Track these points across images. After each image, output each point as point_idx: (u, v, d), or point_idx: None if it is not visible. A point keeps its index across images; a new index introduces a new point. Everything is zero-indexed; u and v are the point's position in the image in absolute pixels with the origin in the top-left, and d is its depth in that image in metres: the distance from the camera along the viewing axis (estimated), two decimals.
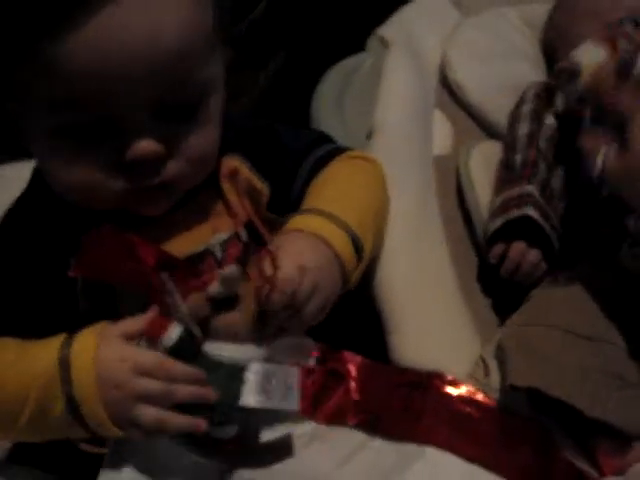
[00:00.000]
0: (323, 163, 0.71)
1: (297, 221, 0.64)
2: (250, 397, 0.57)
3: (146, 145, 0.56)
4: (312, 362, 0.61)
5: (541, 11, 1.08)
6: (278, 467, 0.59)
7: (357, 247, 0.64)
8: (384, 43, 0.99)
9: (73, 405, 0.55)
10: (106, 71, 0.53)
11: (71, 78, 0.53)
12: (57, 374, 0.55)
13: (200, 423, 0.55)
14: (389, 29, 1.02)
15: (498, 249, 0.77)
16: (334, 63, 1.01)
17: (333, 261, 0.61)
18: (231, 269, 0.60)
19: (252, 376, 0.57)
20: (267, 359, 0.60)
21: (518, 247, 0.75)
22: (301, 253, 0.60)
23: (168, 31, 0.54)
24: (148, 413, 0.55)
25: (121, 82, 0.54)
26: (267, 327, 0.59)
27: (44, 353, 0.57)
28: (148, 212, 0.61)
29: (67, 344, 0.56)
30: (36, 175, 0.66)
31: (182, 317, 0.58)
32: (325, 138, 0.76)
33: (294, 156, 0.71)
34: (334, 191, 0.68)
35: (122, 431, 0.55)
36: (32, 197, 0.66)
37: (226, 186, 0.65)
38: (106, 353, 0.55)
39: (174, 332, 0.56)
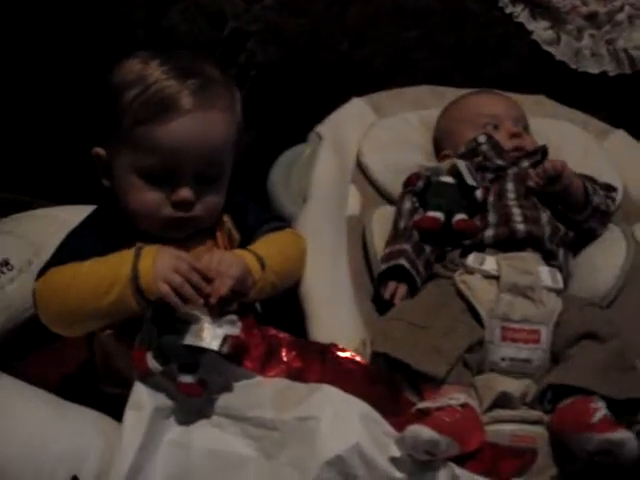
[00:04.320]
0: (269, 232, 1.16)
1: None
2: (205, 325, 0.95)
3: (185, 192, 1.05)
4: (238, 331, 0.98)
5: (435, 115, 1.51)
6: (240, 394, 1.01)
7: (262, 264, 1.06)
8: (319, 137, 1.43)
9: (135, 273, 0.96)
10: (177, 149, 1.02)
11: (156, 148, 1.02)
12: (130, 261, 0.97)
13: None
14: (323, 127, 1.45)
15: (384, 285, 1.20)
16: (287, 148, 1.45)
17: (242, 263, 1.02)
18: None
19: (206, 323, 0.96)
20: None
21: (392, 284, 1.19)
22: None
23: (215, 136, 1.05)
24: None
25: (183, 157, 1.02)
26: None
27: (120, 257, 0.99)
28: (177, 235, 1.07)
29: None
30: (101, 207, 1.13)
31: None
32: (276, 218, 1.22)
33: (254, 226, 1.16)
34: (262, 242, 1.12)
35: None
36: (104, 213, 1.12)
37: (218, 233, 1.12)
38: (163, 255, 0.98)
39: None
